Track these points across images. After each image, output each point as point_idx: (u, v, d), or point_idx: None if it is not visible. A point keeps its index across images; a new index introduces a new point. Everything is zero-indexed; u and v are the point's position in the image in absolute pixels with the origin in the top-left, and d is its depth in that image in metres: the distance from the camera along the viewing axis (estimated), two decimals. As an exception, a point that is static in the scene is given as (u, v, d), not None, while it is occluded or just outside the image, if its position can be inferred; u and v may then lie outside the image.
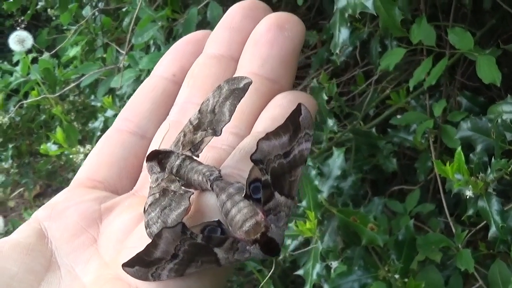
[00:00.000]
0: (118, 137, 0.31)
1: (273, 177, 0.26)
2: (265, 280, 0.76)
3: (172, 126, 0.30)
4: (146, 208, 0.27)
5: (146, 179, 0.29)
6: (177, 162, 0.28)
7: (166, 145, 0.30)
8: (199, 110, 0.29)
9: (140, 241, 0.25)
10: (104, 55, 1.21)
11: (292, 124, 0.26)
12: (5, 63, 1.54)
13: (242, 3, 0.30)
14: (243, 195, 0.26)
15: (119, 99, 1.06)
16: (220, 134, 0.28)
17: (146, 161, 0.29)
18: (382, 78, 0.96)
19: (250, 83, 0.27)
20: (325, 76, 0.91)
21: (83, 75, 1.17)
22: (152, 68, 0.34)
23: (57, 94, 1.17)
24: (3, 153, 1.45)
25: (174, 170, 0.28)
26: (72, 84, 1.16)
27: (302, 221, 0.70)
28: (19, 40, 1.18)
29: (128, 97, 0.78)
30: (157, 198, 0.27)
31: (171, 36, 0.98)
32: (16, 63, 1.43)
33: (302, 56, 1.06)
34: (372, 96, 0.94)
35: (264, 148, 0.26)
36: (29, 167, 1.54)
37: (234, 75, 0.29)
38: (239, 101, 0.28)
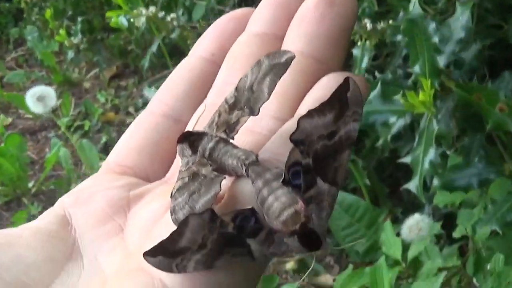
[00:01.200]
0: (151, 120, 0.30)
1: (315, 161, 0.24)
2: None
3: (208, 109, 0.28)
4: (173, 193, 0.25)
5: (177, 167, 0.28)
6: (210, 145, 0.26)
7: (201, 127, 0.28)
8: (236, 88, 0.27)
9: (166, 229, 0.23)
10: None
11: (339, 100, 0.24)
12: None
13: None
14: (281, 182, 0.24)
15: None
16: (258, 113, 0.26)
17: (177, 143, 0.27)
18: None
19: (293, 58, 0.25)
20: None
21: None
22: None
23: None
24: (73, 27, 1.36)
25: (207, 153, 0.26)
26: None
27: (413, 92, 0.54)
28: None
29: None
30: (186, 183, 0.26)
31: None
32: None
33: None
34: None
35: (306, 128, 0.24)
36: (102, 44, 1.44)
37: None
38: (280, 78, 0.26)
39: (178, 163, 0.28)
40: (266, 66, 0.26)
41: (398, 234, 0.82)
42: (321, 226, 0.23)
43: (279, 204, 0.23)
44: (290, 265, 1.20)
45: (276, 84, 0.26)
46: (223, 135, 0.27)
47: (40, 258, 0.25)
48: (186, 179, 0.26)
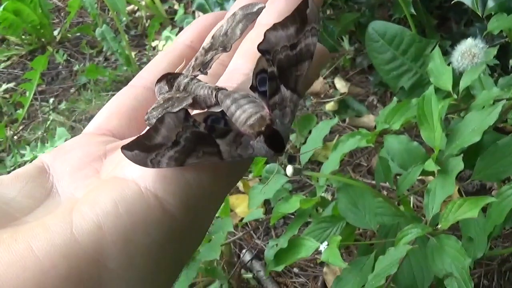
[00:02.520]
0: (132, 91, 0.32)
1: (279, 70, 0.26)
2: None
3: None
4: (148, 112, 0.28)
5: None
6: (185, 80, 0.30)
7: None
8: (212, 36, 0.31)
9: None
10: None
11: (299, 16, 0.27)
12: None
13: None
14: (249, 88, 0.27)
15: None
16: (230, 49, 0.29)
17: (156, 84, 0.31)
18: None
19: (263, 8, 0.30)
20: None
21: None
22: None
23: None
24: None
25: (182, 88, 0.29)
26: None
27: None
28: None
29: None
30: (160, 104, 0.28)
31: None
32: None
33: None
34: None
35: (271, 39, 0.26)
36: None
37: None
38: (252, 22, 0.30)
39: None
40: (240, 16, 0.30)
41: (449, 65, 0.73)
42: (284, 131, 0.26)
43: (246, 114, 0.26)
44: (329, 106, 1.13)
45: (247, 26, 0.30)
46: (198, 73, 0.30)
47: (20, 195, 0.27)
48: (161, 101, 0.29)
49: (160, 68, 0.33)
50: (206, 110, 0.28)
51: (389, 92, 1.13)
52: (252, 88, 0.27)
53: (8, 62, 1.48)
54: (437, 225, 0.56)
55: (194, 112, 0.28)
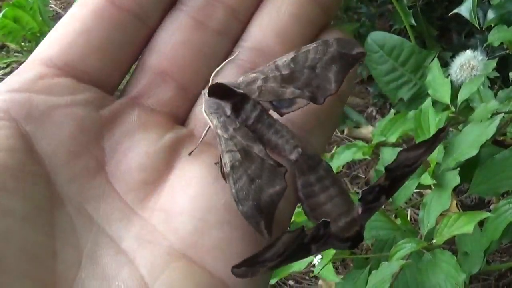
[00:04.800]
0: (114, 14, 0.22)
1: (391, 183, 0.24)
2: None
3: (191, 27, 0.23)
4: (227, 170, 0.22)
5: (150, 84, 0.22)
6: (255, 114, 0.24)
7: (226, 76, 0.24)
8: (293, 59, 0.24)
9: (193, 212, 0.20)
10: None
11: (434, 141, 0.25)
12: None
13: None
14: (332, 179, 0.24)
15: None
16: (323, 103, 0.24)
17: (209, 94, 0.23)
18: None
19: (363, 54, 0.24)
20: None
21: None
22: None
23: None
24: None
25: (250, 122, 0.24)
26: None
27: None
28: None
29: None
30: (239, 161, 0.23)
31: None
32: None
33: None
34: None
35: (401, 160, 0.24)
36: None
37: None
38: (348, 72, 0.24)
39: (148, 78, 0.23)
40: (334, 52, 0.25)
41: (447, 77, 0.73)
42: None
43: (335, 208, 0.23)
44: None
45: (344, 78, 0.24)
46: (267, 105, 0.24)
47: (27, 209, 0.18)
48: (238, 156, 0.23)
49: None
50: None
51: (388, 104, 1.13)
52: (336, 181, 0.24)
53: (8, 69, 1.48)
54: (432, 239, 0.56)
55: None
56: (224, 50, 0.24)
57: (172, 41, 0.23)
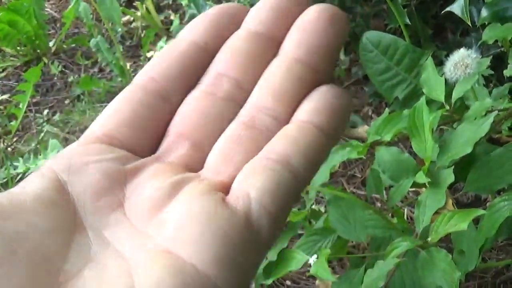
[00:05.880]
0: (141, 95, 0.29)
1: None
2: None
3: (202, 97, 0.29)
4: None
5: (170, 145, 0.28)
6: None
7: (192, 114, 0.29)
8: None
9: (174, 215, 0.24)
10: None
11: None
12: None
13: None
14: None
15: None
16: None
17: None
18: None
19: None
20: None
21: None
22: None
23: None
24: None
25: None
26: None
27: None
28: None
29: None
30: None
31: None
32: None
33: None
34: None
35: None
36: None
37: (277, 58, 0.29)
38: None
39: (168, 142, 0.28)
40: None
41: (442, 75, 0.73)
42: None
43: None
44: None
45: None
46: None
47: (50, 226, 0.24)
48: None
49: (171, 71, 0.30)
50: None
51: (384, 103, 1.13)
52: None
53: (3, 74, 1.48)
54: (428, 237, 0.56)
55: None
56: (229, 112, 0.28)
57: (187, 109, 0.29)
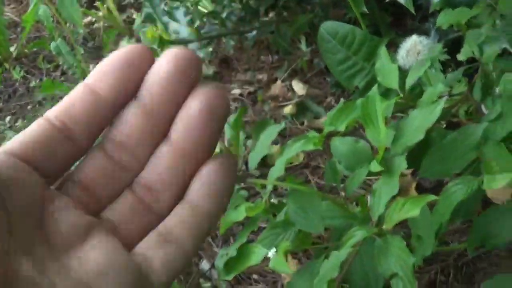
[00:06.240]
0: (50, 130, 0.30)
1: None
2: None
3: (105, 160, 0.31)
4: None
5: (72, 185, 0.31)
6: None
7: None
8: None
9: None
10: None
11: None
12: None
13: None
14: None
15: None
16: None
17: None
18: None
19: None
20: None
21: None
22: None
23: None
24: None
25: None
26: None
27: None
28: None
29: None
30: None
31: None
32: None
33: None
34: None
35: None
36: None
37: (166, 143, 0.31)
38: None
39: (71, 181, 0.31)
40: None
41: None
42: None
43: None
44: (288, 109, 1.13)
45: None
46: None
47: None
48: None
49: (82, 117, 0.31)
50: None
51: (347, 93, 1.13)
52: None
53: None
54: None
55: None
56: (127, 178, 0.31)
57: (93, 163, 0.31)
